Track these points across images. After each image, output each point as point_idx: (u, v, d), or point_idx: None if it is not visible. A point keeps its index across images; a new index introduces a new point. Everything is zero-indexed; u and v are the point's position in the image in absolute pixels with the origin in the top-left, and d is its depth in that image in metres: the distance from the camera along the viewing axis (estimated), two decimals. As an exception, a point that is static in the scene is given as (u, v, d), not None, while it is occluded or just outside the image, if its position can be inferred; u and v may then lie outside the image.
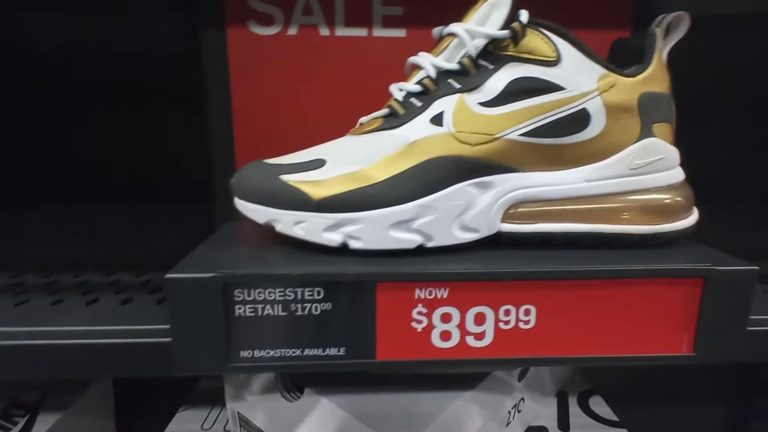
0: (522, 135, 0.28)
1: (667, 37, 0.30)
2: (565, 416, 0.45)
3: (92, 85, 0.55)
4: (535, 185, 0.29)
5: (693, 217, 0.30)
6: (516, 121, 0.28)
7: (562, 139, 0.28)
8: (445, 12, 0.36)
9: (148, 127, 0.56)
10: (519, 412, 0.42)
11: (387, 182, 0.27)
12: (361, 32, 0.39)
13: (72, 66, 0.54)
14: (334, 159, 0.29)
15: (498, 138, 0.28)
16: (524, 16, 0.27)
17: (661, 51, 0.29)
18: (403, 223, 0.27)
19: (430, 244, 0.28)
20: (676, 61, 0.32)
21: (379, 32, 0.39)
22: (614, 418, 0.45)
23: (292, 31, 0.39)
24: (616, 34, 0.37)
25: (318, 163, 0.29)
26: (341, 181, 0.27)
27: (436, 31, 0.31)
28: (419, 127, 0.28)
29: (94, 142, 0.57)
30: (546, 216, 0.29)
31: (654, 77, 0.29)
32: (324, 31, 0.39)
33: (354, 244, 0.27)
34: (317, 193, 0.27)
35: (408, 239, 0.27)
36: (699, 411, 0.67)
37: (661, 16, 0.30)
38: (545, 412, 0.46)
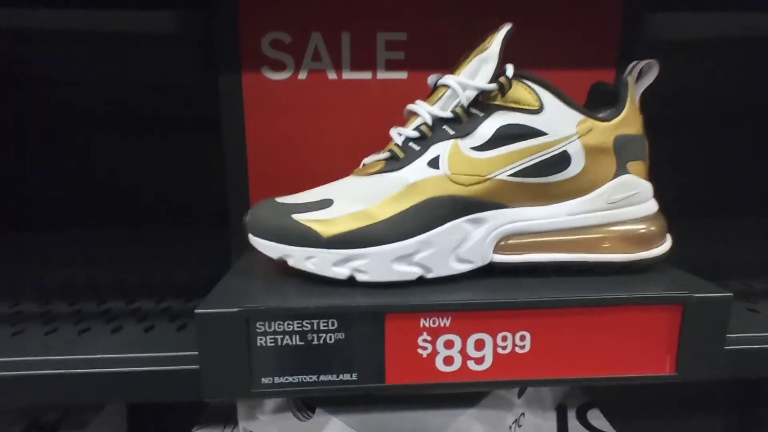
0: (510, 175, 0.31)
1: (638, 82, 0.33)
2: (564, 429, 0.46)
3: (118, 116, 0.57)
4: (523, 219, 0.32)
5: (667, 244, 0.33)
6: (504, 164, 0.31)
7: (546, 178, 0.31)
8: (443, 56, 0.39)
9: (168, 158, 0.59)
10: (520, 426, 0.44)
11: (390, 221, 0.30)
12: (366, 75, 0.42)
13: (99, 97, 0.57)
14: (340, 199, 0.32)
15: (489, 179, 0.31)
16: (510, 70, 0.30)
17: (634, 96, 0.32)
18: (404, 258, 0.30)
19: (430, 276, 0.31)
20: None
21: (382, 75, 0.42)
22: (612, 431, 0.46)
23: (302, 75, 0.42)
24: (600, 74, 0.40)
25: (326, 203, 0.32)
26: (348, 220, 0.30)
27: (432, 79, 0.34)
28: (418, 169, 0.31)
29: (117, 170, 0.59)
30: (534, 247, 0.32)
31: (627, 120, 0.32)
32: (332, 75, 0.42)
33: (360, 277, 0.30)
34: (326, 231, 0.30)
35: (409, 272, 0.30)
36: (698, 423, 0.67)
37: (632, 64, 0.33)
38: (545, 425, 0.47)
